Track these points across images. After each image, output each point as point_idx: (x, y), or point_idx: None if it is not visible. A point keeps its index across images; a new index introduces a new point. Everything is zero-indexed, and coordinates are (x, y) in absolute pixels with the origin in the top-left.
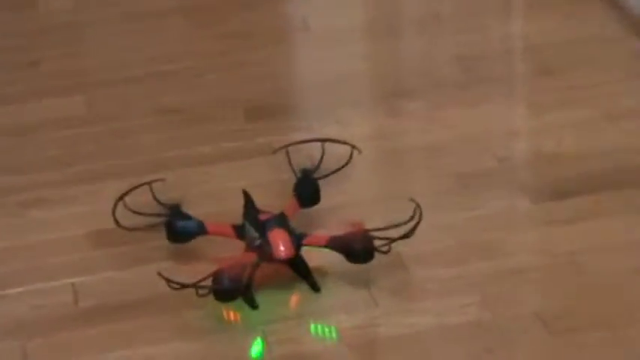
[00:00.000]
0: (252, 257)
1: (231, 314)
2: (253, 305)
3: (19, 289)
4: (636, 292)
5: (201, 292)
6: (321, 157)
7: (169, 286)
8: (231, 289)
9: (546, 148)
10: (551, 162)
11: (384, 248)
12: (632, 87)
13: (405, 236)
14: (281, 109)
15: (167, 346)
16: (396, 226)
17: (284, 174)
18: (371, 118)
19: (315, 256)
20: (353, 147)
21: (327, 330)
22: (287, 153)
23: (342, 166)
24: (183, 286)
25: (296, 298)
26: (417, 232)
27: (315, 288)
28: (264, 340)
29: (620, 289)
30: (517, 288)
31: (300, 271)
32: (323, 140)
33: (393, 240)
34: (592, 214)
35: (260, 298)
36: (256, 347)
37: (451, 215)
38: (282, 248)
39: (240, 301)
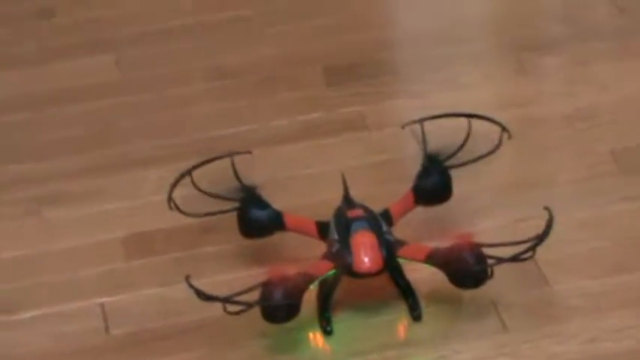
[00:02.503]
0: (327, 267)
1: (318, 342)
2: (326, 330)
3: (34, 313)
4: None
5: (234, 308)
6: (465, 139)
7: (199, 297)
8: (282, 307)
9: None
10: None
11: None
12: None
13: (520, 257)
14: (373, 69)
15: None
16: (516, 243)
17: (384, 155)
18: (496, 79)
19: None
20: (503, 129)
21: None
22: (422, 129)
23: (488, 154)
24: (210, 298)
25: (401, 322)
26: (559, 231)
27: (414, 313)
28: None
29: None
30: None
31: (399, 286)
32: (468, 116)
33: (502, 261)
34: None
35: (351, 321)
36: None
37: (606, 207)
38: (364, 259)
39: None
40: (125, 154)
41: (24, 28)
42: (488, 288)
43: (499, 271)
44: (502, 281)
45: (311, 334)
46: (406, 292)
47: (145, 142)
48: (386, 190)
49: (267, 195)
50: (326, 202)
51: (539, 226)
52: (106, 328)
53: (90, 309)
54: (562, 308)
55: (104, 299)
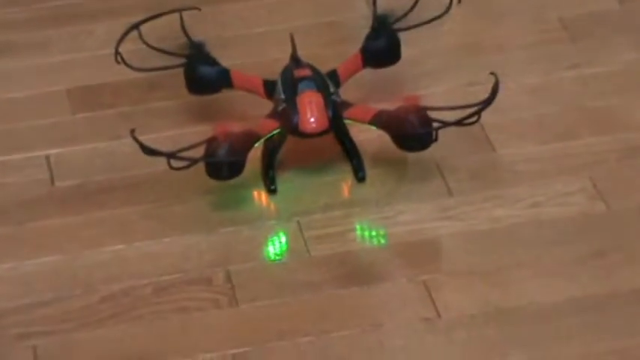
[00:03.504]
0: (272, 126)
1: (263, 200)
2: (270, 188)
3: None
4: None
5: (179, 163)
6: (416, 2)
7: (143, 151)
8: (225, 164)
9: None
10: None
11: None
12: None
13: (465, 121)
14: None
15: (171, 239)
16: (461, 107)
17: (334, 16)
18: None
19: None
20: None
21: (374, 232)
22: None
23: (437, 17)
24: (154, 152)
25: (345, 183)
26: (507, 96)
27: (359, 175)
28: (300, 235)
29: None
30: None
31: (344, 148)
32: None
33: (447, 125)
34: None
35: (295, 181)
36: (278, 243)
37: (553, 74)
38: (310, 119)
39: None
40: (72, 5)
41: None
42: (434, 151)
43: (446, 134)
44: (448, 145)
45: (255, 193)
46: (351, 154)
47: None
48: (334, 50)
49: (215, 52)
50: (274, 62)
51: (487, 91)
52: (51, 180)
53: (35, 160)
54: (507, 173)
55: (50, 151)
